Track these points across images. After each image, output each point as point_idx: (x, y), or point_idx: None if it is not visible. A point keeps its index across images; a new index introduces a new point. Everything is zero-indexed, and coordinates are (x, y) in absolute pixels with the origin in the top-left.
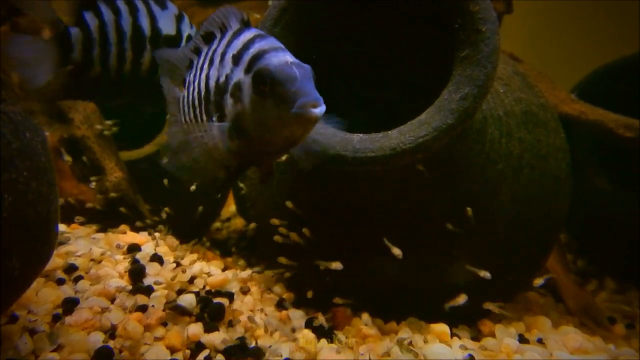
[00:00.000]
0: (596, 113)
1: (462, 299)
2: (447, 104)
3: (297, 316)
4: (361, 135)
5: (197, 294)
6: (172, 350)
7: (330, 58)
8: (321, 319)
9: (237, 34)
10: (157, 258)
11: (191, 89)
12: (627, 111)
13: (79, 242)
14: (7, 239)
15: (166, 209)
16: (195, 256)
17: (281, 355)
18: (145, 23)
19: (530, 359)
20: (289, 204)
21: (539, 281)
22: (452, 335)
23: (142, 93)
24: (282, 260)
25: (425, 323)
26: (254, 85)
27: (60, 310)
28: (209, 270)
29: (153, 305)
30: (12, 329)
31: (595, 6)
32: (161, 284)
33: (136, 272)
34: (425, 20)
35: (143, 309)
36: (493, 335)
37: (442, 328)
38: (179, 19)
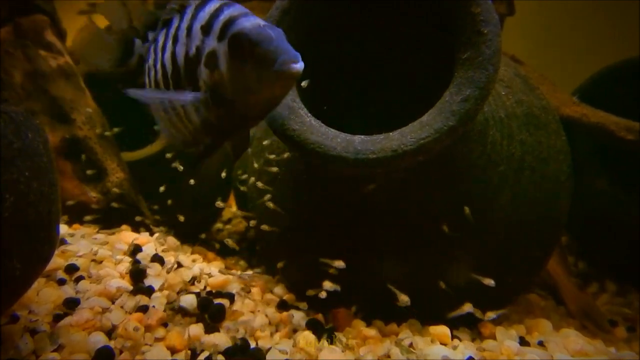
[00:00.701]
0: (597, 115)
1: (468, 308)
2: (449, 106)
3: (298, 317)
4: (362, 136)
5: (197, 294)
6: (173, 351)
7: (331, 58)
8: (322, 320)
9: (201, 7)
10: (158, 259)
11: (152, 73)
12: (628, 114)
13: (80, 243)
14: (9, 239)
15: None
16: (196, 257)
17: (281, 356)
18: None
19: None
20: (269, 204)
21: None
22: (453, 337)
23: None
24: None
25: (426, 325)
26: (231, 50)
27: (61, 311)
28: (210, 271)
29: (154, 306)
30: (13, 328)
31: (596, 8)
32: (162, 284)
33: (137, 273)
34: (426, 21)
35: (144, 309)
36: (494, 337)
37: (443, 330)
38: None
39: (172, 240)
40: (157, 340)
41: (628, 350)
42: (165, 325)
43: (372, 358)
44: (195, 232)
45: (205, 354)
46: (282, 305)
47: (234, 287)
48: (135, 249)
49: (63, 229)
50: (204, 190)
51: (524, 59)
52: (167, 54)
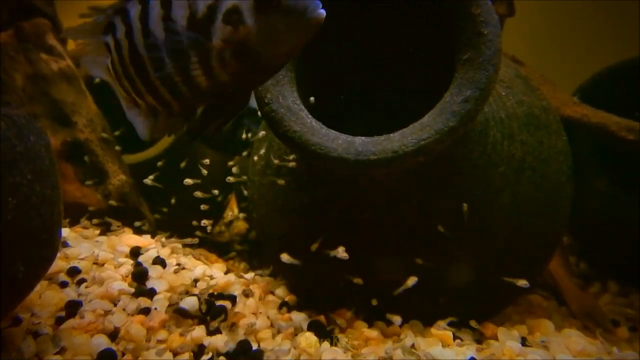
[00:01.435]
0: (598, 116)
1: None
2: (449, 107)
3: (300, 319)
4: (363, 138)
5: (199, 296)
6: (175, 353)
7: (331, 59)
8: (323, 322)
9: None
10: (159, 261)
11: (124, 45)
12: (629, 114)
13: (82, 245)
14: (11, 241)
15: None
16: (197, 259)
17: (283, 358)
18: None
19: None
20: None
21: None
22: (455, 338)
23: None
24: (285, 256)
25: (427, 326)
26: (259, 3)
27: (63, 313)
28: (212, 273)
29: (156, 308)
30: (15, 331)
31: (596, 8)
32: (164, 286)
33: (139, 275)
34: (427, 21)
35: (146, 311)
36: (496, 338)
37: (444, 331)
38: None
39: (173, 242)
40: (160, 342)
41: (630, 350)
42: (167, 327)
43: (374, 359)
44: (196, 235)
45: (208, 355)
46: (284, 307)
47: (236, 289)
48: (137, 252)
49: (64, 231)
50: (205, 191)
51: (525, 59)
52: (155, 20)
